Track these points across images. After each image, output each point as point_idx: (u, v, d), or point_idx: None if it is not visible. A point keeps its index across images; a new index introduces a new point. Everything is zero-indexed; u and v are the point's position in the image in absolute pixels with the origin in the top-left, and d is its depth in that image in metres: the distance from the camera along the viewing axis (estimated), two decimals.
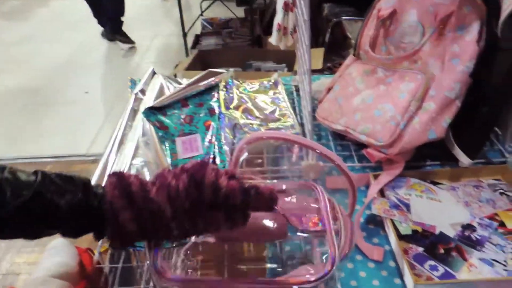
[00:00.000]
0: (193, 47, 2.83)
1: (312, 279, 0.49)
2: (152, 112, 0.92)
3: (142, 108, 0.95)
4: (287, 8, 0.96)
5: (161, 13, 4.12)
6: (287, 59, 2.44)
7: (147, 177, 0.77)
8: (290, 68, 2.43)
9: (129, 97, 1.01)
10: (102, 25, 3.48)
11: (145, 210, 0.44)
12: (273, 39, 1.03)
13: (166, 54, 3.29)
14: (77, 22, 3.80)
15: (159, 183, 0.46)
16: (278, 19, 1.00)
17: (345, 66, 0.96)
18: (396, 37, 0.86)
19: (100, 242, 0.69)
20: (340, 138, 0.94)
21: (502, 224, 0.68)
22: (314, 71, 2.21)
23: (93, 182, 0.47)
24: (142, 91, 1.04)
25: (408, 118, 0.77)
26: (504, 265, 0.62)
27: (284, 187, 0.62)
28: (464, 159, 0.76)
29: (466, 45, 0.73)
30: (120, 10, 3.33)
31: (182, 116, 0.95)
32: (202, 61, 2.55)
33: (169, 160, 0.83)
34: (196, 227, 0.46)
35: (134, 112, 0.99)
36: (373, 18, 0.91)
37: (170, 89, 1.05)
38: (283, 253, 0.69)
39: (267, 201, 0.48)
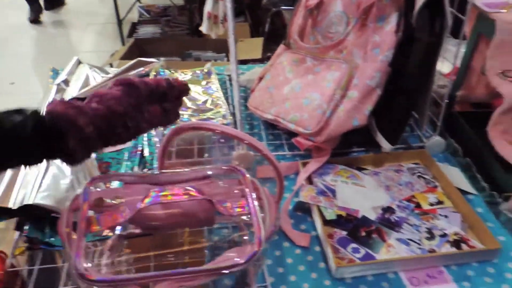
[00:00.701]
0: (130, 35, 2.72)
1: (242, 261, 0.49)
2: None
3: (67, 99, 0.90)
4: None
5: (96, 0, 3.91)
6: (227, 48, 2.42)
7: (67, 172, 0.73)
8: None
9: (50, 88, 0.95)
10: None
11: (98, 114, 0.48)
12: (204, 28, 1.01)
13: (101, 43, 3.13)
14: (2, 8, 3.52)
15: (98, 95, 0.50)
16: (208, 7, 0.98)
17: (277, 55, 0.96)
18: (323, 26, 0.88)
19: (13, 243, 0.64)
20: (272, 127, 0.94)
21: (418, 205, 0.73)
22: (254, 61, 2.22)
23: (5, 183, 0.45)
24: (66, 82, 0.98)
25: (334, 107, 0.79)
26: (419, 244, 0.66)
27: (208, 172, 0.61)
28: (385, 145, 0.79)
29: (386, 35, 0.76)
30: None
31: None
32: (139, 50, 2.46)
33: (93, 154, 0.79)
34: (144, 120, 0.52)
35: None
36: (301, 8, 0.92)
37: (97, 79, 1.01)
38: (212, 240, 0.69)
39: (181, 86, 0.57)
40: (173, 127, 0.61)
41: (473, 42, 0.83)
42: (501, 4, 0.77)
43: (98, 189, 0.58)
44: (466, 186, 0.76)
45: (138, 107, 0.52)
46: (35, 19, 3.33)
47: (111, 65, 2.20)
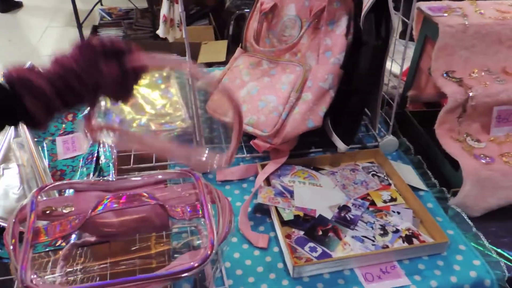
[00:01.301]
0: (93, 34, 2.66)
1: (196, 264, 0.49)
2: None
3: None
4: None
5: (54, 2, 3.79)
6: (192, 50, 2.41)
7: (18, 181, 0.71)
8: (196, 59, 2.41)
9: None
10: None
11: (53, 73, 0.49)
12: (160, 32, 1.00)
13: (60, 47, 3.04)
14: None
15: (53, 59, 0.50)
16: (164, 10, 0.98)
17: (234, 58, 0.97)
18: (278, 30, 0.89)
19: None
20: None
21: (372, 203, 0.75)
22: (218, 63, 2.22)
23: None
24: None
25: (289, 109, 0.80)
26: (373, 241, 0.68)
27: (161, 177, 0.61)
28: (340, 145, 0.81)
29: (337, 38, 0.78)
30: None
31: (64, 114, 0.89)
32: None
33: (46, 162, 0.77)
34: (102, 76, 0.51)
35: None
36: (257, 12, 0.92)
37: None
38: (170, 245, 0.68)
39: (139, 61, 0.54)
40: None
41: (421, 44, 0.86)
42: (443, 8, 0.81)
43: (45, 198, 0.57)
44: (417, 182, 0.79)
45: (94, 63, 0.51)
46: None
47: None
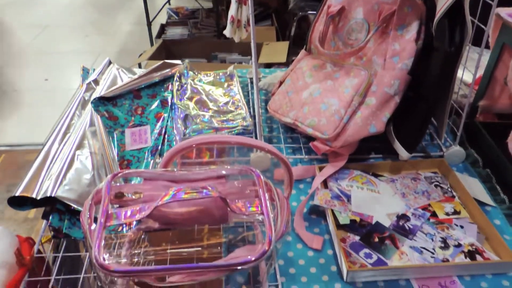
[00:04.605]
0: (158, 36, 2.79)
1: (252, 258, 0.51)
2: (102, 102, 0.91)
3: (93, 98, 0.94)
4: (241, 1, 0.97)
5: (126, 1, 4.02)
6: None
7: (90, 167, 0.76)
8: (257, 59, 2.44)
9: (80, 86, 1.00)
10: None
11: None
12: (227, 32, 1.03)
13: (130, 43, 3.22)
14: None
15: None
16: (232, 11, 1.00)
17: (297, 60, 0.98)
18: (344, 33, 0.88)
19: (40, 231, 0.68)
20: (291, 130, 0.96)
21: (434, 214, 0.72)
22: (278, 64, 2.23)
23: (31, 173, 0.47)
24: (96, 81, 1.03)
25: (351, 113, 0.79)
26: (432, 253, 0.66)
27: (224, 172, 0.63)
28: (402, 153, 0.79)
29: (406, 43, 0.76)
30: None
31: (134, 107, 0.95)
32: (167, 51, 2.52)
33: (115, 151, 0.83)
34: None
35: (85, 101, 0.97)
36: (323, 14, 0.92)
37: (124, 80, 1.04)
38: (227, 237, 0.70)
39: None
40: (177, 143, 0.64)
41: (497, 52, 0.82)
42: None
43: (118, 184, 0.61)
44: (484, 197, 0.75)
45: None
46: None
47: (140, 65, 2.26)
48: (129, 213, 0.57)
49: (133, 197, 0.59)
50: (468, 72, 0.81)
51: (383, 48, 0.80)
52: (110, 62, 1.12)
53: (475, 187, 0.77)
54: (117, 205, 0.58)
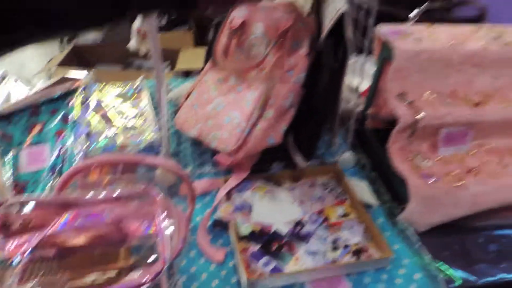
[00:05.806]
0: (69, 41, 2.64)
1: (146, 280, 0.52)
2: None
3: None
4: None
5: None
6: (170, 57, 2.42)
7: None
8: (174, 66, 2.42)
9: None
10: None
11: None
12: (131, 44, 1.02)
13: (37, 48, 3.01)
14: None
15: None
16: (137, 23, 1.00)
17: (203, 72, 0.99)
18: (246, 47, 0.92)
19: None
20: (199, 144, 0.97)
21: (327, 218, 0.78)
22: (199, 71, 2.23)
23: None
24: None
25: (252, 125, 0.83)
26: (323, 255, 0.71)
27: (121, 194, 0.63)
28: (300, 161, 0.85)
29: (299, 58, 0.82)
30: None
31: (31, 125, 0.90)
32: (79, 56, 2.40)
33: (9, 174, 0.79)
34: None
35: None
36: (226, 27, 0.95)
37: (22, 93, 0.99)
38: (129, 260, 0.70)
39: None
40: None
41: (380, 65, 0.91)
42: (400, 32, 0.85)
43: (5, 212, 0.59)
44: (370, 198, 0.83)
45: None
46: None
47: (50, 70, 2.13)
48: (17, 243, 0.55)
49: (22, 226, 0.57)
50: (360, 80, 0.89)
51: (280, 62, 0.85)
52: (4, 76, 1.05)
53: (362, 190, 0.84)
54: (1, 236, 0.55)
